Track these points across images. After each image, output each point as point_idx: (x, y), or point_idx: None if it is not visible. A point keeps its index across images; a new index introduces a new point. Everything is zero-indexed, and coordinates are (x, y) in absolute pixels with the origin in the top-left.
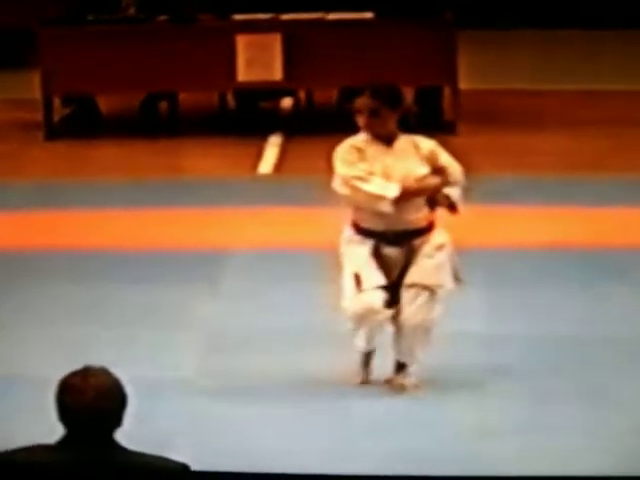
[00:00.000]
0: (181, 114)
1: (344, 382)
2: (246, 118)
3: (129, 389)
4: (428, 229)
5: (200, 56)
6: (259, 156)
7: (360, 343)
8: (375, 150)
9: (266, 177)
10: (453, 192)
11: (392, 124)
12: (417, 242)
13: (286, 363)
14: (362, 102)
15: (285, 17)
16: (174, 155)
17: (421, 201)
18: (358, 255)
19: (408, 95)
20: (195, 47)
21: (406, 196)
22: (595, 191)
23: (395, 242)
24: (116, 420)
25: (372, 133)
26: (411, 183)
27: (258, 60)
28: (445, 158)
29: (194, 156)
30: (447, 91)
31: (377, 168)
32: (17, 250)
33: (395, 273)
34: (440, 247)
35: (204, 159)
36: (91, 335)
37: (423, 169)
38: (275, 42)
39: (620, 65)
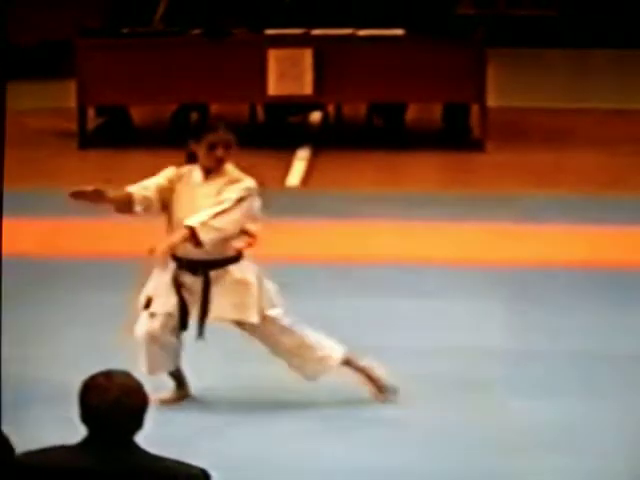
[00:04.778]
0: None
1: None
2: (275, 131)
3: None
4: (229, 261)
5: (232, 69)
6: (287, 169)
7: (142, 368)
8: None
9: (294, 190)
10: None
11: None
12: (214, 274)
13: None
14: (219, 136)
15: (316, 32)
16: None
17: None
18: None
19: (436, 112)
20: (227, 60)
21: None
22: (625, 209)
23: (191, 270)
24: (137, 421)
25: (212, 165)
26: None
27: (289, 74)
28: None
29: None
30: (475, 108)
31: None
32: (49, 257)
33: (192, 301)
34: (241, 282)
35: None
36: (119, 341)
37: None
38: (306, 57)
39: None
